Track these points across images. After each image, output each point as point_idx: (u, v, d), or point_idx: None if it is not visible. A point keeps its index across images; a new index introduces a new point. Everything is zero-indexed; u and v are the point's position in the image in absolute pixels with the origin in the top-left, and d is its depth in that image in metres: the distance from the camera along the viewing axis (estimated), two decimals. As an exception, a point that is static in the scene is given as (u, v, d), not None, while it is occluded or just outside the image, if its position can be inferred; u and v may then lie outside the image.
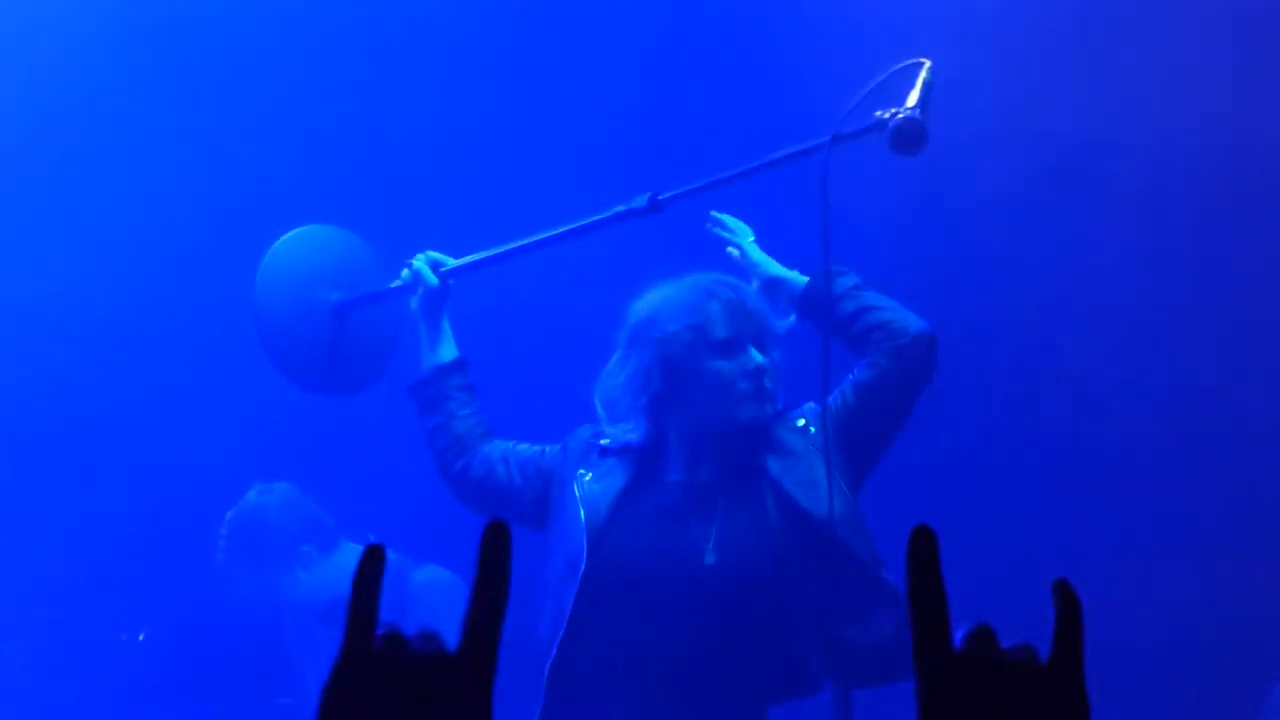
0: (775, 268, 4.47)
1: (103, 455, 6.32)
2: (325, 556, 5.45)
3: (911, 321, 4.27)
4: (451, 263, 4.64)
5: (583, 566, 4.14)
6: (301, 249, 4.86)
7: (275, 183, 6.16)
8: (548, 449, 4.45)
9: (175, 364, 6.32)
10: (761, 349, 4.24)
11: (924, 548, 1.38)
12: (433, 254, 4.65)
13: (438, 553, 5.41)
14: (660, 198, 4.41)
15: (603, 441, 4.34)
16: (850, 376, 4.28)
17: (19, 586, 6.39)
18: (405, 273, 4.66)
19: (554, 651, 4.13)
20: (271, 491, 5.53)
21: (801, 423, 4.28)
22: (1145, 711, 5.41)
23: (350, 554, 5.43)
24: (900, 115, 4.06)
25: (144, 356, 6.31)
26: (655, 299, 4.32)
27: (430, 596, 5.27)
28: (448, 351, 4.60)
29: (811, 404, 4.30)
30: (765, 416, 4.22)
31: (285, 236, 4.85)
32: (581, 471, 4.31)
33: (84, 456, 6.37)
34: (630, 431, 4.31)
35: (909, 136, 4.03)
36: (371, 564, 1.41)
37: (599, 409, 4.37)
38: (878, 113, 4.13)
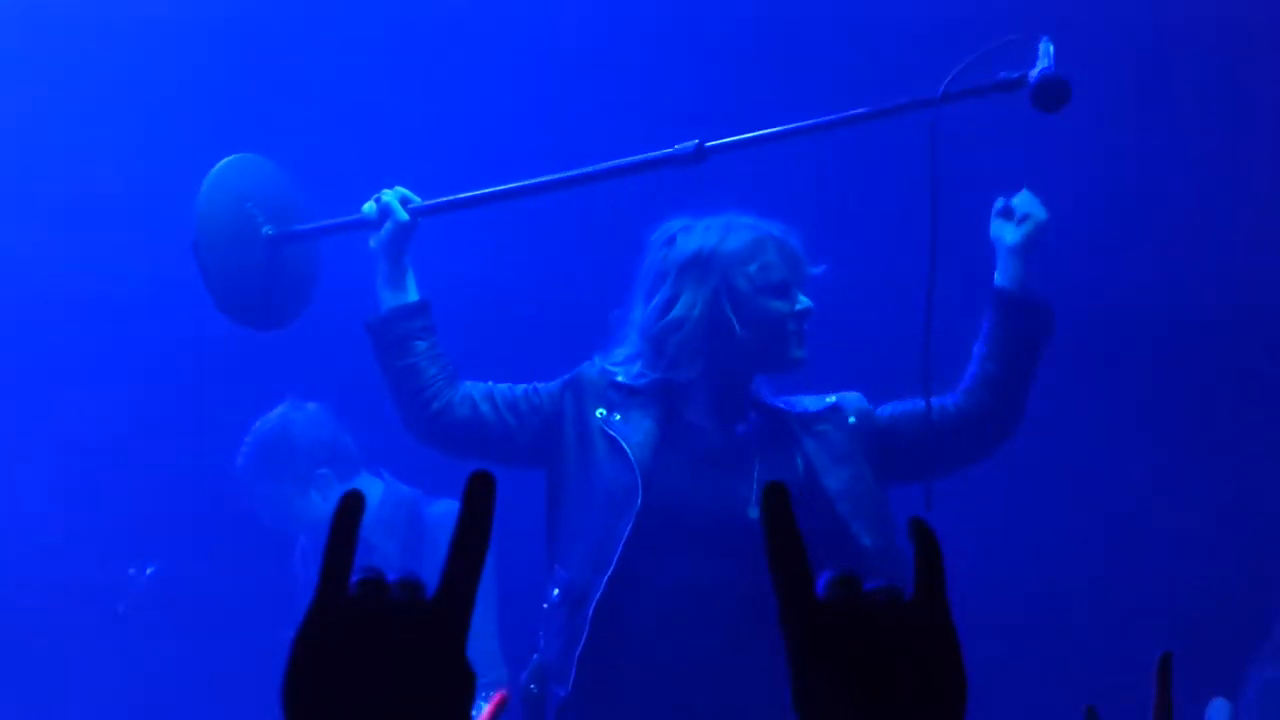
0: (1018, 254, 4.33)
1: (114, 375, 6.30)
2: (342, 484, 5.39)
3: (1004, 408, 4.28)
4: (419, 201, 4.46)
5: (638, 505, 4.13)
6: (238, 176, 4.66)
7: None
8: (540, 387, 4.37)
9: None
10: (804, 294, 4.28)
11: (776, 501, 1.38)
12: (401, 190, 4.45)
13: (453, 488, 5.33)
14: (707, 145, 4.29)
15: (619, 378, 4.30)
16: (908, 406, 4.32)
17: (24, 512, 6.38)
18: (370, 206, 4.44)
19: (603, 587, 4.11)
20: (301, 409, 5.51)
21: (832, 400, 4.34)
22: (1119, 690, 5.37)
23: (367, 486, 5.40)
24: (1040, 71, 3.96)
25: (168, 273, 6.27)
26: (712, 235, 4.28)
27: (445, 531, 5.19)
28: (412, 292, 4.41)
29: (855, 394, 4.36)
30: (804, 359, 4.26)
31: (221, 164, 4.65)
32: (602, 411, 4.27)
33: (91, 372, 6.35)
34: (667, 368, 4.26)
35: (1052, 91, 3.94)
36: (349, 510, 1.36)
37: (632, 341, 4.33)
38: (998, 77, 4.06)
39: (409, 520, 5.36)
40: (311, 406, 5.51)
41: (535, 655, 4.26)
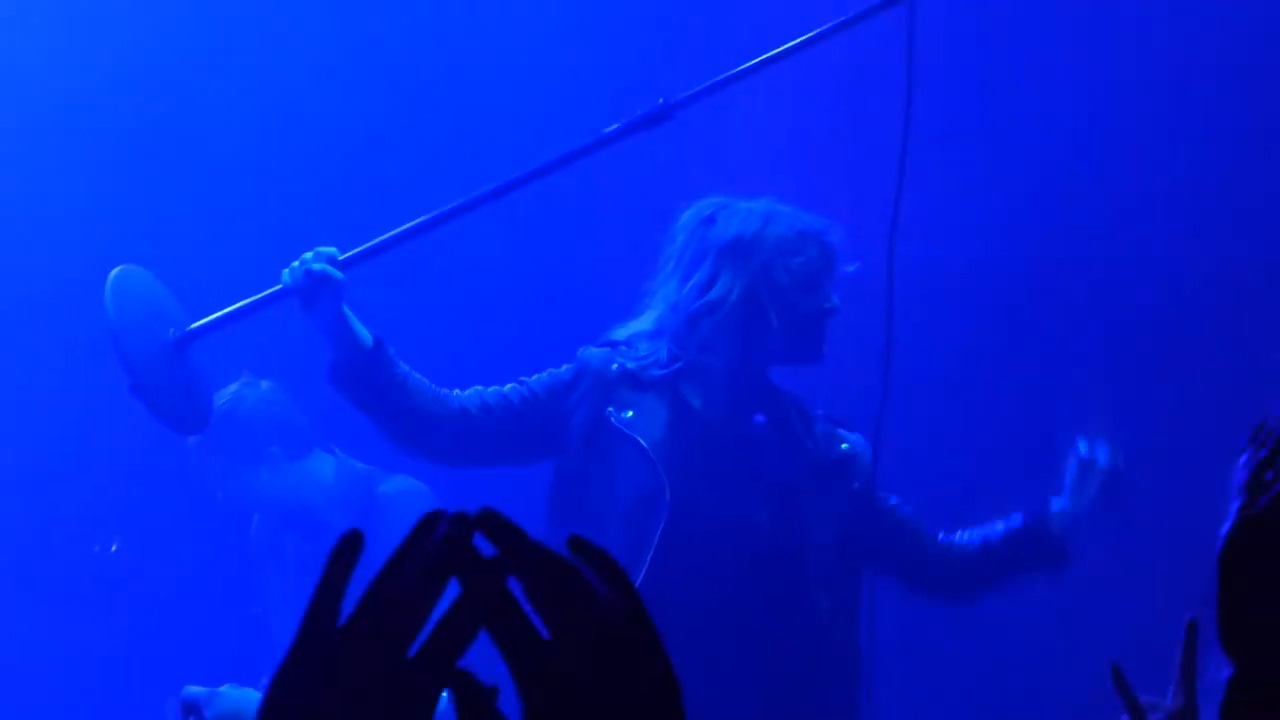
0: (1084, 505, 4.30)
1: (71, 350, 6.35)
2: (292, 462, 5.42)
3: (968, 595, 4.35)
4: (338, 253, 4.20)
5: (666, 508, 4.08)
6: (126, 296, 4.42)
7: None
8: (537, 381, 4.30)
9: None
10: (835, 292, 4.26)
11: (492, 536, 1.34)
12: (327, 249, 4.18)
13: (406, 464, 5.47)
14: (671, 102, 4.23)
15: (629, 365, 4.24)
16: (910, 514, 4.34)
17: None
18: (286, 275, 4.19)
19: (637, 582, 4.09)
20: (254, 386, 5.48)
21: (845, 446, 4.31)
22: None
23: (319, 464, 5.45)
24: None
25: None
26: (754, 220, 4.21)
27: (398, 508, 5.32)
28: (364, 336, 4.22)
29: (859, 439, 4.33)
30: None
31: (110, 284, 4.42)
32: (612, 409, 4.19)
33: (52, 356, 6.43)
34: (697, 349, 4.20)
35: None
36: (346, 552, 1.35)
37: (654, 319, 4.26)
38: None
39: (363, 498, 5.39)
40: (265, 384, 5.47)
41: None
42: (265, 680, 4.49)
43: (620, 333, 4.31)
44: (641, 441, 4.13)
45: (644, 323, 4.28)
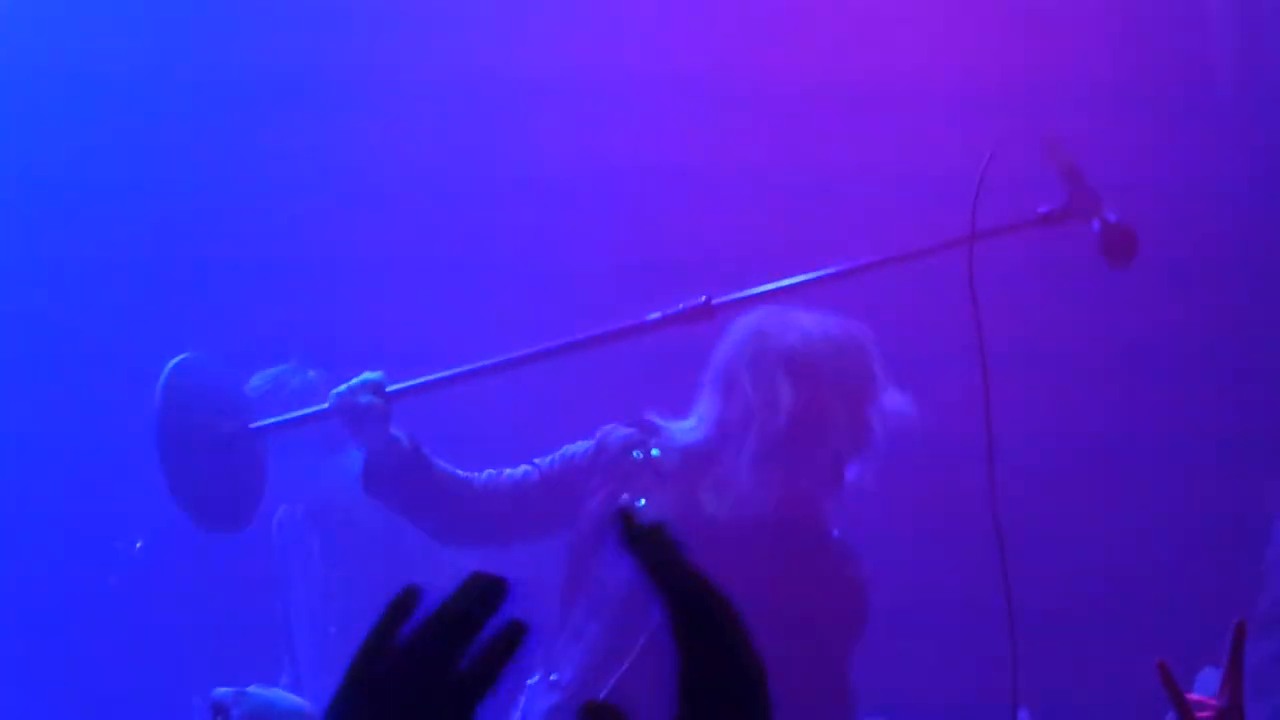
0: None
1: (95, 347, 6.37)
2: (329, 454, 5.43)
3: None
4: (385, 383, 4.27)
5: (653, 621, 3.95)
6: (177, 396, 4.43)
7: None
8: (563, 460, 4.30)
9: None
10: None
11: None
12: (369, 377, 4.25)
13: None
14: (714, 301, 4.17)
15: (654, 452, 4.19)
16: None
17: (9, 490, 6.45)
18: (333, 398, 4.27)
19: (613, 681, 4.05)
20: (299, 372, 5.48)
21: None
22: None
23: (353, 460, 5.45)
24: (1104, 221, 3.87)
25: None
26: (814, 338, 4.06)
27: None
28: (403, 440, 4.27)
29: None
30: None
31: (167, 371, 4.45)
32: (626, 495, 4.14)
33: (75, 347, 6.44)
34: (727, 458, 4.11)
35: (1120, 246, 3.89)
36: (403, 605, 1.47)
37: (696, 423, 4.17)
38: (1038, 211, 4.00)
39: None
40: (312, 374, 5.46)
41: None
42: (287, 676, 4.55)
43: (659, 421, 4.24)
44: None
45: (688, 423, 4.19)
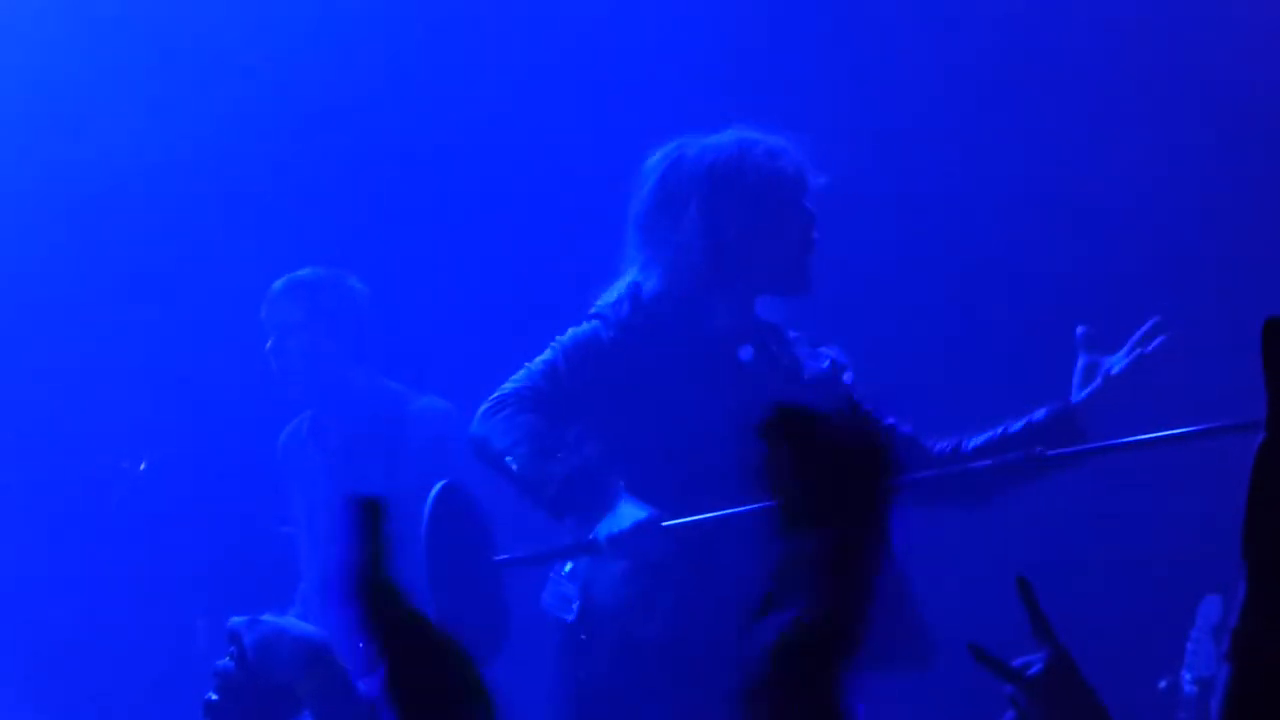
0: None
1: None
2: (345, 367, 5.52)
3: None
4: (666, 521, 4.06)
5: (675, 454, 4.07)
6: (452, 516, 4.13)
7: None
8: (557, 369, 4.21)
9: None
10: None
11: None
12: (642, 518, 4.00)
13: (435, 384, 5.53)
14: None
15: (615, 333, 4.16)
16: (909, 431, 4.25)
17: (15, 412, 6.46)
18: (612, 538, 4.02)
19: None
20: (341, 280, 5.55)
21: (827, 363, 4.29)
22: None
23: (356, 377, 5.52)
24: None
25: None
26: (727, 149, 4.13)
27: (427, 424, 5.35)
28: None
29: (838, 351, 4.32)
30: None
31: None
32: (613, 372, 4.14)
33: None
34: (705, 281, 4.13)
35: None
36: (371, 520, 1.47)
37: (651, 260, 4.18)
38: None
39: (394, 414, 5.44)
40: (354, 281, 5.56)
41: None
42: (298, 605, 4.60)
43: (605, 299, 4.22)
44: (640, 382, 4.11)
45: (628, 276, 4.21)
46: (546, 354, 4.19)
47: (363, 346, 5.50)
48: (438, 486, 4.07)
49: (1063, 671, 2.45)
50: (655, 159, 4.18)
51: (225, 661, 3.11)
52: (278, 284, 5.47)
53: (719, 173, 4.10)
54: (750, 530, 3.82)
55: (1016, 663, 2.52)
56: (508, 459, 4.08)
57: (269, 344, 5.45)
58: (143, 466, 6.16)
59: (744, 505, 3.83)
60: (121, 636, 6.23)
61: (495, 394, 4.17)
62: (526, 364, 4.19)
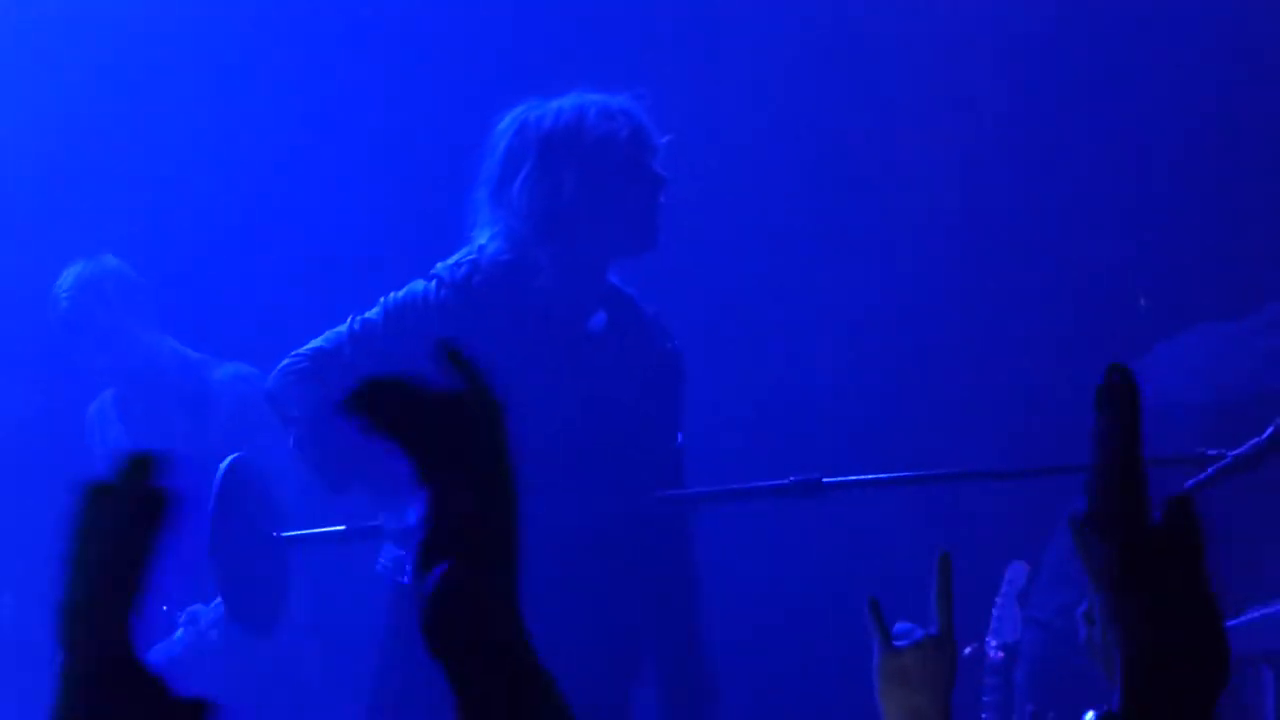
0: None
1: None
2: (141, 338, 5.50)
3: None
4: None
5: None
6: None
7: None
8: (367, 328, 4.18)
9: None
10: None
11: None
12: None
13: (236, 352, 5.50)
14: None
15: (458, 295, 4.13)
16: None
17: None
18: None
19: None
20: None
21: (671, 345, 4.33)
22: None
23: (158, 345, 5.49)
24: None
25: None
26: (568, 113, 4.13)
27: (231, 392, 5.33)
28: None
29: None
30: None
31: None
32: (453, 334, 4.05)
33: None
34: (543, 244, 4.12)
35: None
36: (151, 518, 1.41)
37: (493, 224, 4.17)
38: None
39: (197, 384, 5.41)
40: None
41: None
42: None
43: (451, 260, 4.21)
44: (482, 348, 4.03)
45: (476, 241, 4.21)
46: (371, 311, 4.17)
47: (158, 320, 5.49)
48: (226, 461, 4.05)
49: (930, 656, 2.47)
50: (504, 123, 4.18)
51: None
52: (65, 275, 5.43)
53: (555, 135, 4.10)
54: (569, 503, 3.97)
55: (896, 628, 2.54)
56: (291, 429, 4.10)
57: (65, 335, 5.45)
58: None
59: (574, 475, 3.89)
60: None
61: (295, 351, 4.16)
62: (351, 317, 4.16)
